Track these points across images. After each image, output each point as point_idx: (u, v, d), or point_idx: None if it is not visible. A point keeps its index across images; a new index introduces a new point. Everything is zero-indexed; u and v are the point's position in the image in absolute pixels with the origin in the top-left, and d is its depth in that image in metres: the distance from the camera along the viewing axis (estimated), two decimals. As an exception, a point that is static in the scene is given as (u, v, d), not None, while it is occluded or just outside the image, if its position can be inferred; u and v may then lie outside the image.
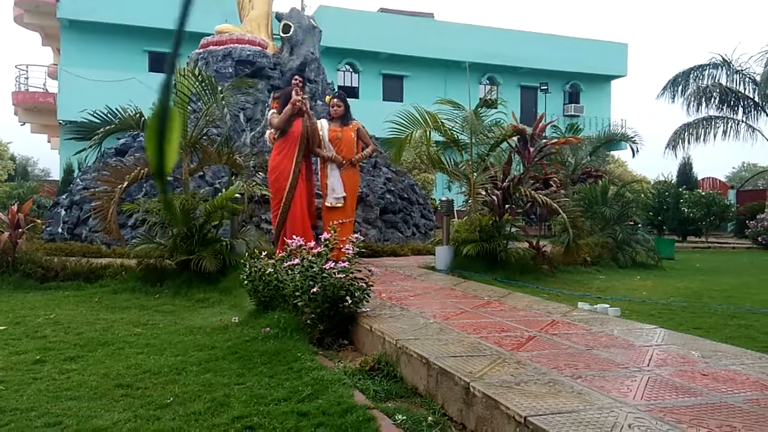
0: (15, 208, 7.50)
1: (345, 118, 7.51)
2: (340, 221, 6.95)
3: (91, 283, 7.23)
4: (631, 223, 10.95)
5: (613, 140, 17.11)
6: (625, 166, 29.56)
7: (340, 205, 7.28)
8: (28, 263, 7.26)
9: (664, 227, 18.53)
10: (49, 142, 31.76)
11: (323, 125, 7.38)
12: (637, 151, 15.79)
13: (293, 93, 7.17)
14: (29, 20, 24.89)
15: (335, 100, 7.61)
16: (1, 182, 20.20)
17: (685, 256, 13.13)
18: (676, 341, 3.98)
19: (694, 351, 3.67)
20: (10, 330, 4.91)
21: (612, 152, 28.27)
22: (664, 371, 3.18)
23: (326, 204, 7.38)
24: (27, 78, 24.84)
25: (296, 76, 10.25)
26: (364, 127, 7.70)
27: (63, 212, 10.75)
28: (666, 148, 20.05)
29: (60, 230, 10.48)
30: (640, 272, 9.66)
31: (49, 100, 23.71)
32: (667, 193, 18.51)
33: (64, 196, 11.51)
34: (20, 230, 7.39)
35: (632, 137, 15.95)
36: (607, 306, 5.70)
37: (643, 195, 16.60)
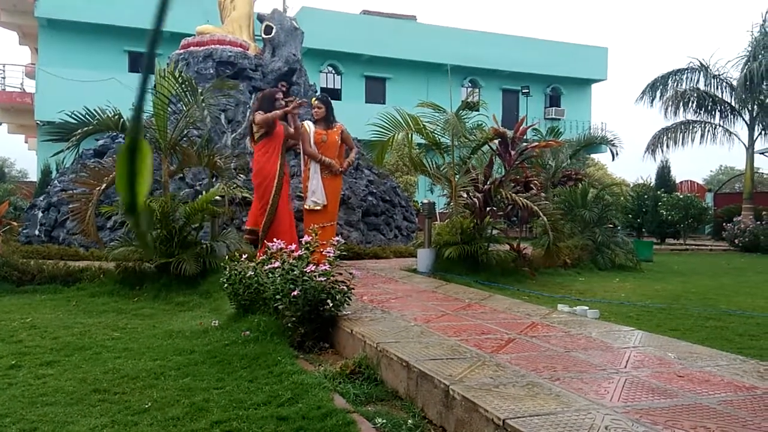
0: (-10, 210, 7.38)
1: (328, 120, 7.46)
2: (322, 225, 6.91)
3: (68, 286, 7.13)
4: (611, 225, 11.08)
5: (593, 143, 17.31)
6: (605, 169, 29.86)
7: (318, 208, 7.21)
8: (4, 266, 7.14)
9: (643, 230, 18.75)
10: (26, 142, 31.29)
11: (310, 127, 7.33)
12: (617, 154, 15.98)
13: (279, 97, 7.11)
14: (6, 19, 24.51)
15: (316, 102, 7.58)
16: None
17: (664, 258, 13.30)
18: (654, 343, 4.03)
19: (671, 353, 3.72)
20: (-15, 334, 4.83)
21: (592, 155, 28.62)
22: (641, 373, 3.22)
23: (305, 207, 7.34)
24: (4, 77, 24.48)
25: (282, 83, 10.23)
26: (347, 130, 7.66)
27: (40, 214, 10.59)
28: (645, 151, 20.34)
29: (37, 232, 10.33)
30: (619, 274, 9.77)
31: (27, 100, 23.36)
32: (645, 196, 18.73)
33: (41, 198, 11.34)
34: (-4, 233, 7.27)
35: (612, 140, 16.14)
36: (586, 308, 5.76)
37: (622, 198, 16.80)
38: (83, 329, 5.07)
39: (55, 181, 11.66)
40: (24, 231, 10.35)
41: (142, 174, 0.54)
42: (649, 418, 2.50)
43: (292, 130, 7.15)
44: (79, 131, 7.03)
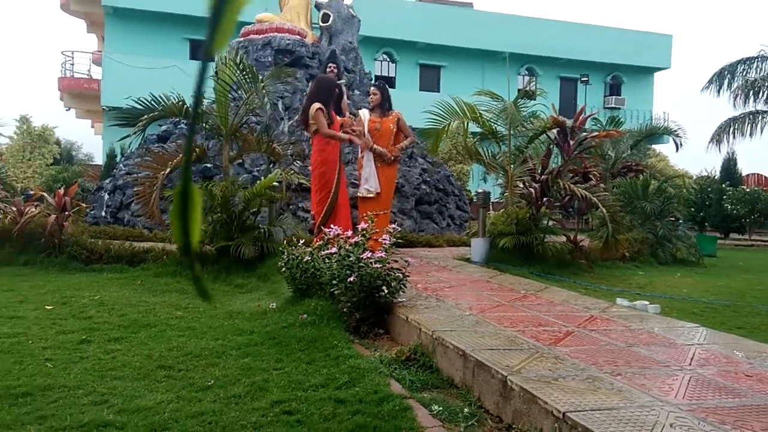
0: (62, 191, 7.73)
1: (384, 107, 7.44)
2: (375, 212, 6.92)
3: (133, 266, 7.42)
4: (672, 218, 10.72)
5: (655, 134, 16.70)
6: (667, 161, 28.81)
7: (371, 195, 7.21)
8: (74, 245, 7.48)
9: (706, 224, 18.07)
10: (92, 127, 32.55)
11: (364, 115, 7.34)
12: (681, 145, 15.37)
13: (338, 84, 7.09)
14: (75, 8, 25.46)
15: (372, 88, 7.58)
16: (48, 166, 20.81)
17: (728, 253, 12.80)
18: (719, 340, 3.90)
19: (738, 351, 3.59)
20: (57, 310, 5.08)
21: (654, 146, 27.64)
22: (706, 371, 3.12)
23: (359, 194, 7.37)
24: (72, 64, 25.46)
25: (331, 64, 10.26)
26: (403, 118, 7.61)
27: (106, 196, 11.02)
28: (710, 142, 19.50)
29: (103, 214, 10.76)
30: (681, 269, 9.46)
31: (93, 86, 24.27)
32: (709, 189, 18.03)
33: (107, 181, 11.80)
34: (66, 213, 7.61)
35: (675, 131, 15.55)
36: (647, 303, 5.61)
37: (684, 190, 16.21)
38: (148, 307, 5.28)
39: (121, 165, 12.10)
40: (91, 212, 10.79)
41: (193, 217, 0.54)
42: (717, 417, 2.42)
43: (348, 120, 7.16)
44: (145, 117, 7.26)
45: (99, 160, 25.72)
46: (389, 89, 7.82)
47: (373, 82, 9.07)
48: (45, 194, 8.23)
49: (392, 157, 7.31)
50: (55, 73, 24.59)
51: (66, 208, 7.61)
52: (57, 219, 7.43)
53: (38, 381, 3.27)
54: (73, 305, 5.27)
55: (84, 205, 9.12)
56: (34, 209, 7.69)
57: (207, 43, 0.54)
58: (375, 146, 7.19)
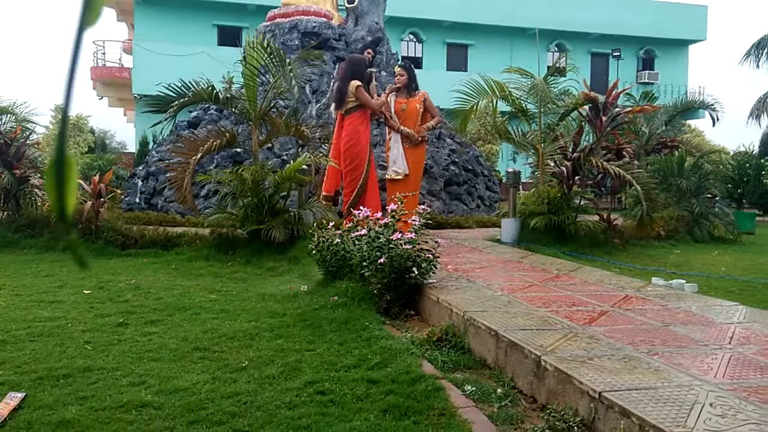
0: (97, 178, 7.88)
1: (410, 88, 7.38)
2: (404, 194, 6.90)
3: (167, 250, 7.54)
4: (709, 195, 10.45)
5: (691, 108, 16.24)
6: (703, 136, 28.08)
7: (399, 177, 7.19)
8: (110, 231, 7.64)
9: (744, 200, 17.58)
10: (125, 115, 33.05)
11: (391, 97, 7.30)
12: (717, 119, 14.95)
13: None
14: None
15: (398, 69, 7.53)
16: (83, 154, 21.24)
17: (767, 230, 12.45)
18: (759, 319, 3.80)
19: (780, 330, 3.50)
20: (95, 294, 5.20)
21: (689, 121, 26.91)
22: (746, 350, 3.05)
23: (387, 176, 7.35)
24: (104, 53, 25.79)
25: (369, 50, 10.20)
26: (430, 98, 7.54)
27: (140, 183, 11.21)
28: (749, 117, 18.96)
29: (137, 200, 10.96)
30: (718, 247, 9.24)
31: (125, 75, 24.59)
32: (747, 165, 17.50)
33: (140, 168, 12.00)
34: (102, 200, 7.76)
35: (711, 104, 15.10)
36: (683, 282, 5.50)
37: (722, 166, 15.78)
38: (183, 291, 5.36)
39: (153, 152, 12.28)
40: (125, 198, 10.99)
41: (69, 189, 0.53)
42: (759, 396, 2.36)
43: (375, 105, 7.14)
44: (175, 103, 7.32)
45: (132, 147, 26.14)
46: (415, 69, 7.75)
47: (400, 62, 8.97)
48: (81, 181, 8.39)
49: (420, 138, 7.26)
50: (88, 62, 24.86)
51: (101, 195, 7.76)
52: (93, 206, 7.58)
53: (78, 363, 3.35)
54: (110, 289, 5.39)
55: (118, 191, 9.29)
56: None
57: (79, 21, 0.53)
58: (402, 127, 7.15)
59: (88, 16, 0.52)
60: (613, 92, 8.90)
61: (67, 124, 0.56)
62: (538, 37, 18.25)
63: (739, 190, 17.43)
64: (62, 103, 0.60)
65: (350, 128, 6.88)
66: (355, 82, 6.78)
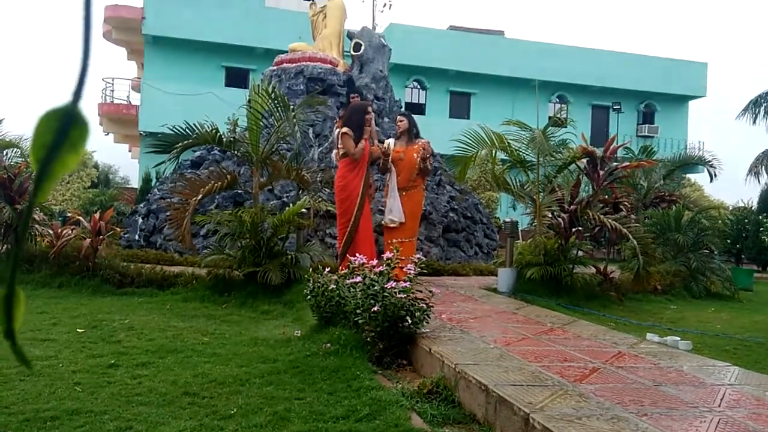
0: (97, 216, 7.94)
1: (410, 135, 7.49)
2: (400, 240, 6.94)
3: (163, 290, 7.55)
4: (707, 251, 10.49)
5: (689, 164, 16.45)
6: (702, 191, 28.27)
7: (394, 225, 7.24)
8: (107, 269, 7.66)
9: (743, 256, 17.60)
10: (129, 151, 33.41)
11: (390, 144, 7.42)
12: (715, 175, 15.10)
13: (369, 111, 7.20)
14: (117, 36, 26.36)
15: (399, 116, 7.69)
16: (85, 189, 21.41)
17: (765, 287, 12.42)
18: (752, 381, 3.79)
19: (771, 393, 3.48)
20: (88, 333, 5.20)
21: (688, 175, 27.17)
22: (736, 413, 3.04)
23: (383, 222, 7.42)
24: (113, 90, 26.27)
25: (353, 95, 10.42)
26: (429, 147, 7.58)
27: (140, 220, 11.28)
28: (748, 173, 19.16)
29: (137, 237, 11.00)
30: (715, 303, 9.23)
31: (132, 112, 24.98)
32: (746, 221, 17.59)
33: (142, 205, 12.08)
34: (101, 237, 7.81)
35: (710, 161, 15.28)
36: (678, 339, 5.48)
37: (720, 222, 15.86)
38: (176, 332, 5.35)
39: (155, 189, 12.39)
40: (125, 236, 11.04)
41: (17, 315, 0.58)
42: (745, 464, 2.35)
43: (375, 149, 7.24)
44: (180, 144, 7.45)
45: (135, 183, 26.35)
46: (419, 116, 7.91)
47: (402, 110, 9.18)
48: (81, 218, 8.47)
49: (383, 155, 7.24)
50: (96, 98, 25.32)
51: (101, 232, 7.81)
52: (92, 243, 7.63)
53: (66, 405, 3.34)
54: (103, 329, 5.38)
55: (118, 229, 9.35)
56: (70, 232, 7.91)
57: (31, 195, 0.57)
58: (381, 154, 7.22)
59: (38, 195, 0.56)
60: (611, 147, 9.03)
61: (17, 264, 0.61)
62: (540, 89, 18.61)
63: (737, 246, 17.47)
64: (12, 250, 0.64)
65: (340, 173, 7.03)
66: (342, 129, 6.92)
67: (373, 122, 7.56)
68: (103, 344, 4.82)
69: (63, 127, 0.55)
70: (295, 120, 7.55)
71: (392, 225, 7.19)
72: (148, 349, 4.68)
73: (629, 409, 3.00)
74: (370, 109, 7.22)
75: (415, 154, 7.34)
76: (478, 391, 3.43)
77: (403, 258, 5.21)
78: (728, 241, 17.05)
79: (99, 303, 6.70)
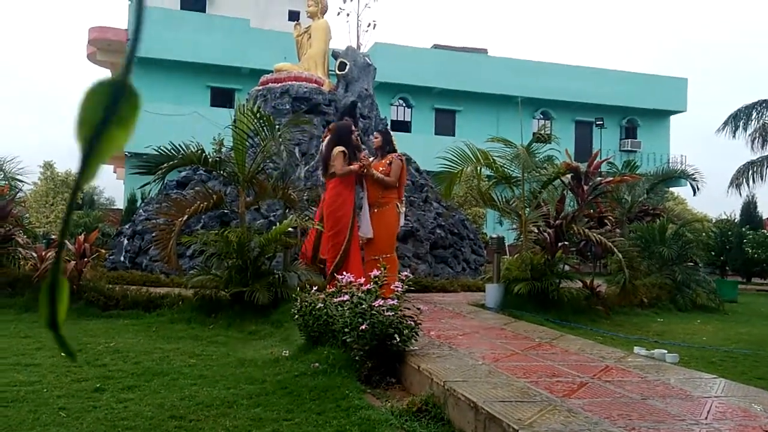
0: (82, 238, 7.87)
1: (382, 152, 7.57)
2: (375, 257, 6.95)
3: (149, 312, 7.47)
4: (691, 263, 10.59)
5: (672, 177, 16.69)
6: (685, 204, 28.62)
7: (362, 242, 7.25)
8: (92, 291, 7.58)
9: (727, 267, 17.78)
10: (114, 172, 33.25)
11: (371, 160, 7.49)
12: (698, 188, 15.35)
13: (354, 131, 7.26)
14: (101, 58, 26.37)
15: (375, 133, 7.79)
16: (70, 210, 21.21)
17: (750, 299, 12.56)
18: (738, 393, 3.81)
19: (757, 404, 3.51)
20: (73, 357, 5.12)
21: (671, 189, 27.52)
22: (723, 425, 3.06)
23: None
24: (97, 111, 26.17)
25: (346, 119, 10.48)
26: (402, 160, 7.46)
27: (126, 241, 11.20)
28: (729, 186, 19.44)
29: (122, 259, 10.91)
30: (701, 315, 9.30)
31: (117, 133, 24.88)
32: (729, 233, 17.80)
33: (127, 226, 12.00)
34: (86, 259, 7.74)
35: (692, 174, 15.52)
36: (665, 352, 5.51)
37: (704, 234, 16.04)
38: (162, 355, 5.30)
39: (140, 210, 12.32)
40: (110, 257, 10.94)
41: (61, 306, 0.58)
42: (732, 476, 2.37)
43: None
44: (165, 165, 7.43)
45: (120, 204, 26.18)
46: (403, 134, 7.98)
47: (380, 127, 9.24)
48: (65, 240, 8.38)
49: (372, 173, 7.19)
50: (80, 119, 25.16)
51: (86, 255, 7.74)
52: (76, 266, 7.55)
53: (51, 431, 3.29)
54: (88, 352, 5.31)
55: (103, 251, 9.26)
56: (54, 255, 7.82)
57: (78, 177, 0.53)
58: (372, 171, 7.20)
59: (84, 176, 0.54)
60: (595, 162, 9.14)
61: (62, 257, 0.61)
62: (524, 106, 18.85)
63: (722, 258, 17.66)
64: (58, 243, 0.64)
65: (332, 192, 7.03)
66: (339, 147, 6.96)
67: (358, 141, 7.64)
68: (89, 368, 4.76)
69: (113, 101, 0.51)
70: (281, 139, 7.58)
71: (361, 241, 7.24)
72: (134, 372, 4.62)
73: (617, 424, 3.01)
74: (354, 129, 7.29)
75: (381, 168, 7.37)
76: (467, 409, 3.42)
77: (391, 274, 5.22)
78: (712, 253, 17.24)
79: (84, 326, 6.62)
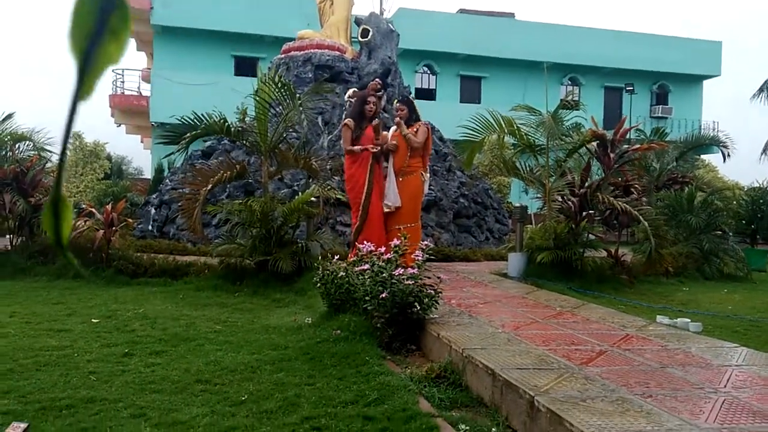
0: (109, 207, 8.03)
1: (408, 122, 7.39)
2: (398, 226, 6.84)
3: (176, 279, 7.64)
4: (720, 232, 10.40)
5: (702, 144, 16.28)
6: (717, 171, 27.94)
7: (389, 210, 7.09)
8: (121, 260, 7.76)
9: (758, 236, 17.42)
10: (142, 142, 33.61)
11: (391, 131, 7.39)
12: (728, 155, 14.96)
13: (370, 101, 7.15)
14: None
15: (398, 104, 7.57)
16: (99, 180, 21.61)
17: (780, 268, 12.31)
18: (759, 362, 3.79)
19: (779, 374, 3.49)
20: (103, 323, 5.29)
21: (702, 156, 26.88)
22: (742, 394, 3.05)
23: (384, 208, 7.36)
24: (123, 82, 26.38)
25: (377, 80, 10.36)
26: (428, 127, 7.36)
27: (153, 211, 11.39)
28: (762, 153, 18.89)
29: (150, 227, 11.12)
30: (728, 285, 9.18)
31: (143, 103, 25.09)
32: (761, 201, 17.39)
33: (154, 196, 12.20)
34: (114, 228, 7.91)
35: (723, 141, 15.12)
36: (688, 320, 5.48)
37: (735, 202, 15.70)
38: (189, 321, 5.44)
39: (167, 180, 12.49)
40: (138, 226, 11.16)
41: (65, 222, 0.60)
42: (748, 444, 2.37)
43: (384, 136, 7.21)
44: (188, 135, 7.50)
45: (148, 174, 26.53)
46: (427, 102, 7.84)
47: (401, 97, 9.10)
48: (94, 210, 8.56)
49: (374, 149, 7.03)
50: (107, 90, 25.42)
51: (113, 224, 7.90)
52: (105, 234, 7.72)
53: (81, 393, 3.42)
54: (118, 318, 5.47)
55: (130, 220, 9.44)
56: (83, 224, 8.01)
57: (74, 92, 0.53)
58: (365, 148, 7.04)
59: (81, 92, 0.55)
60: (621, 129, 8.96)
61: (63, 172, 0.63)
62: (552, 71, 18.45)
63: (752, 226, 17.29)
64: (57, 160, 0.67)
65: (346, 164, 7.04)
66: (344, 122, 6.98)
67: (379, 109, 7.51)
68: (118, 333, 4.91)
69: (101, 13, 0.51)
70: (302, 108, 7.57)
71: (387, 210, 7.07)
72: (162, 338, 4.76)
73: (634, 391, 3.02)
74: (370, 99, 7.09)
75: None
76: (485, 375, 3.46)
77: (409, 244, 5.22)
78: (743, 221, 16.87)
79: (113, 293, 6.80)
